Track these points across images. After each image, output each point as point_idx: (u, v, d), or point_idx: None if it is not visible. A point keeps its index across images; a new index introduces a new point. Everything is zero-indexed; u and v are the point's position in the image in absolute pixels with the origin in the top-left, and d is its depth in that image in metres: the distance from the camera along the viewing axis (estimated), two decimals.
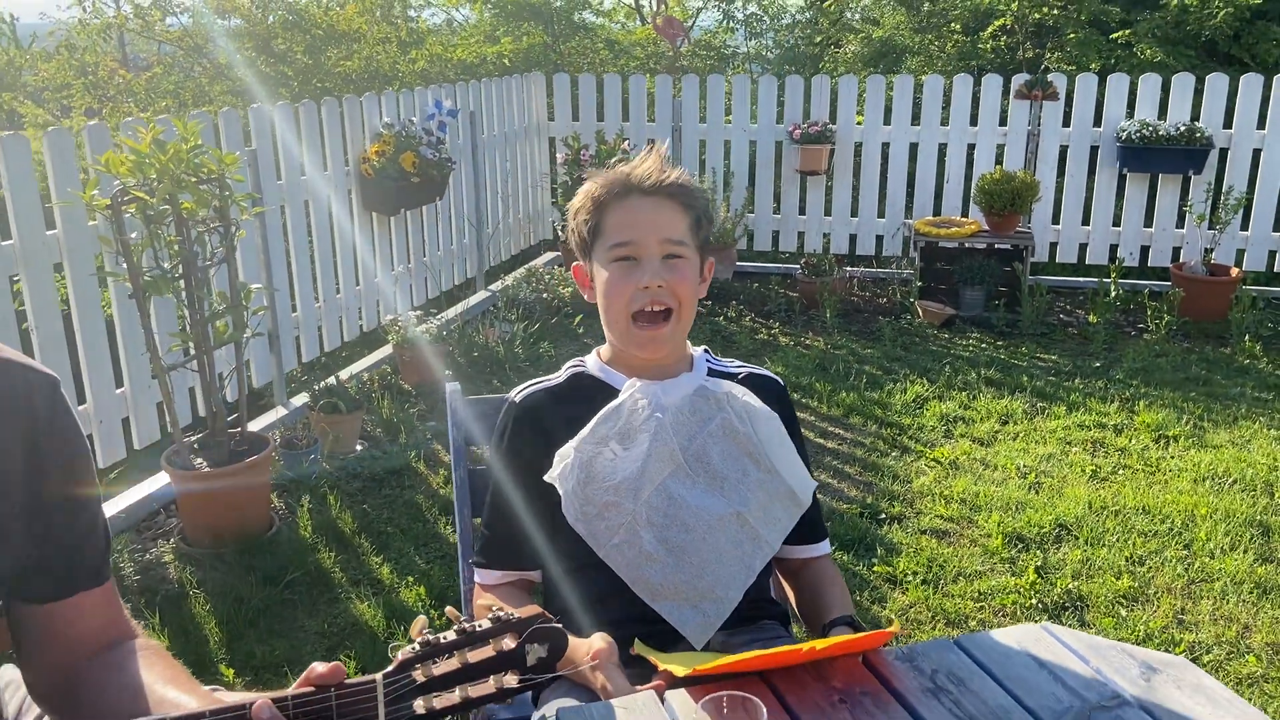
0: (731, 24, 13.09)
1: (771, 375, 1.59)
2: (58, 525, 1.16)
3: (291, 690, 1.01)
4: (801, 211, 6.07)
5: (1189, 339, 4.77)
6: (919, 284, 5.28)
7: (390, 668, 1.03)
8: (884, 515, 3.16)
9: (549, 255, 6.30)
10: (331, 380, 3.80)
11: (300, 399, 3.95)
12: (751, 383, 1.53)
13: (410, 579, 2.81)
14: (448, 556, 2.93)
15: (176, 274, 2.89)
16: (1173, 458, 3.52)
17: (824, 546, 1.57)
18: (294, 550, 2.96)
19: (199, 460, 2.99)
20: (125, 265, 2.77)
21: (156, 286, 2.78)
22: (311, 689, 1.01)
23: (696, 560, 1.39)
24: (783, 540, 1.48)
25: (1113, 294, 4.97)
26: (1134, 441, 3.65)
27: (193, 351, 3.00)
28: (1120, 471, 3.42)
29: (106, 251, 3.13)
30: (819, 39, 11.48)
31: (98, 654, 1.20)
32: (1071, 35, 8.08)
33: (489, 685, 1.06)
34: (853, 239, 6.02)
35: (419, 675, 1.04)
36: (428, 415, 3.99)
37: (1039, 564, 2.85)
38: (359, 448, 3.73)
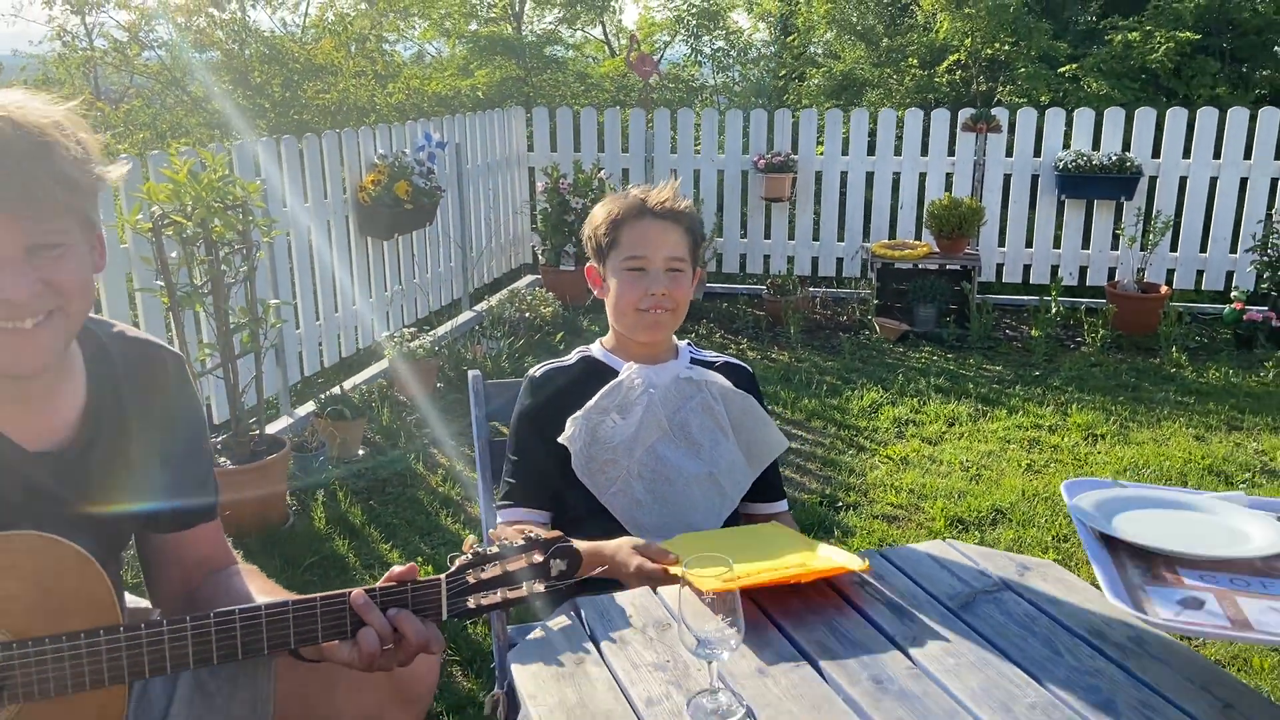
0: (699, 58, 13.57)
1: (743, 364, 1.95)
2: (183, 474, 1.49)
3: (378, 585, 1.35)
4: (767, 236, 6.47)
5: (1121, 350, 5.19)
6: (876, 302, 5.69)
7: (451, 570, 1.38)
8: (841, 503, 3.52)
9: (530, 278, 6.66)
10: (336, 390, 4.12)
11: (305, 408, 4.26)
12: (727, 369, 1.90)
13: (418, 561, 3.13)
14: (451, 544, 3.25)
15: (205, 290, 3.21)
16: (1100, 453, 3.92)
17: (783, 505, 1.93)
18: (310, 539, 3.27)
19: (223, 459, 3.30)
20: (162, 282, 3.09)
21: (190, 300, 3.11)
22: (393, 584, 1.35)
23: (676, 507, 1.75)
24: (742, 496, 1.84)
25: (1053, 310, 5.40)
26: (1066, 439, 4.05)
27: (218, 360, 3.32)
28: (1052, 465, 3.81)
29: (139, 270, 3.45)
30: (783, 72, 11.96)
31: (209, 575, 1.53)
32: (1022, 70, 8.54)
33: (522, 590, 1.41)
34: (815, 261, 6.43)
35: (470, 578, 1.38)
36: (424, 423, 4.31)
37: (977, 542, 3.22)
38: (361, 452, 4.04)
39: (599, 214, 1.84)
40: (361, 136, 4.98)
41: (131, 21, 12.21)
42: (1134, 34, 8.08)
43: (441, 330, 5.33)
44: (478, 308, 5.91)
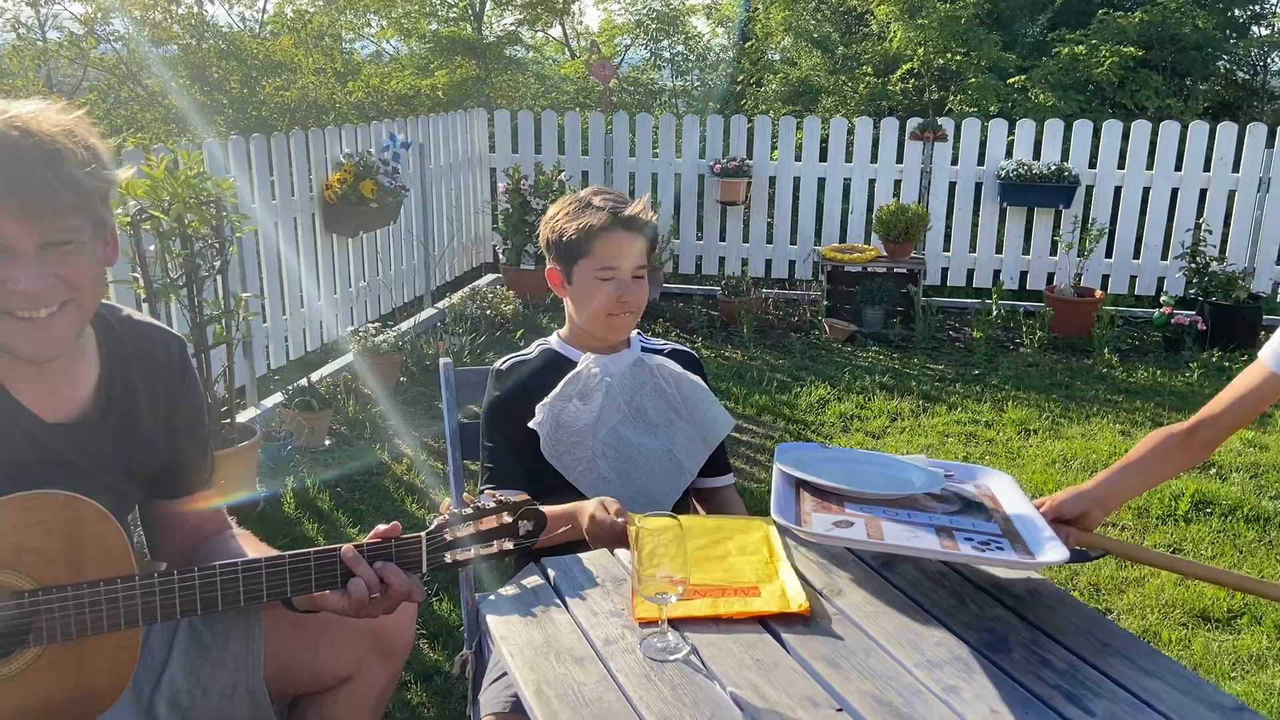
0: (659, 62, 13.76)
1: (688, 350, 2.13)
2: (183, 445, 1.63)
3: (365, 540, 1.50)
4: (722, 238, 6.68)
5: (1057, 351, 5.46)
6: (826, 304, 5.91)
7: (431, 528, 1.54)
8: None
9: (491, 276, 6.79)
10: (303, 381, 4.24)
11: (272, 400, 4.37)
12: (675, 355, 2.07)
13: None
14: (416, 527, 3.38)
15: (180, 283, 3.32)
16: (1032, 447, 4.16)
17: (729, 479, 2.11)
18: (281, 522, 3.40)
19: None
20: (138, 274, 3.20)
21: (166, 293, 3.22)
22: (379, 540, 1.51)
23: (639, 482, 1.92)
24: (699, 470, 2.01)
25: (994, 313, 5.66)
26: (1001, 434, 4.28)
27: (192, 351, 3.43)
28: (986, 457, 4.04)
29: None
30: (741, 77, 12.18)
31: (207, 538, 1.68)
32: (973, 80, 8.81)
33: (493, 547, 1.57)
34: (768, 263, 6.64)
35: (448, 536, 1.55)
36: (388, 415, 4.44)
37: None
38: (328, 442, 4.16)
39: (569, 222, 1.97)
40: (328, 136, 5.09)
41: (87, 14, 12.11)
42: (1080, 47, 8.39)
43: (404, 326, 5.45)
44: (440, 305, 6.04)
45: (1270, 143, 5.89)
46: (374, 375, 4.71)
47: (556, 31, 14.77)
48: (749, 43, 12.68)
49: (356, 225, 5.16)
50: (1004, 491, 1.66)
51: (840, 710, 1.23)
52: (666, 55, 13.72)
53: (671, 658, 1.34)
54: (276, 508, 3.54)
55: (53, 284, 1.33)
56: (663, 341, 2.13)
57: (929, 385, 4.92)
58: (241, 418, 4.21)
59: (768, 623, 1.42)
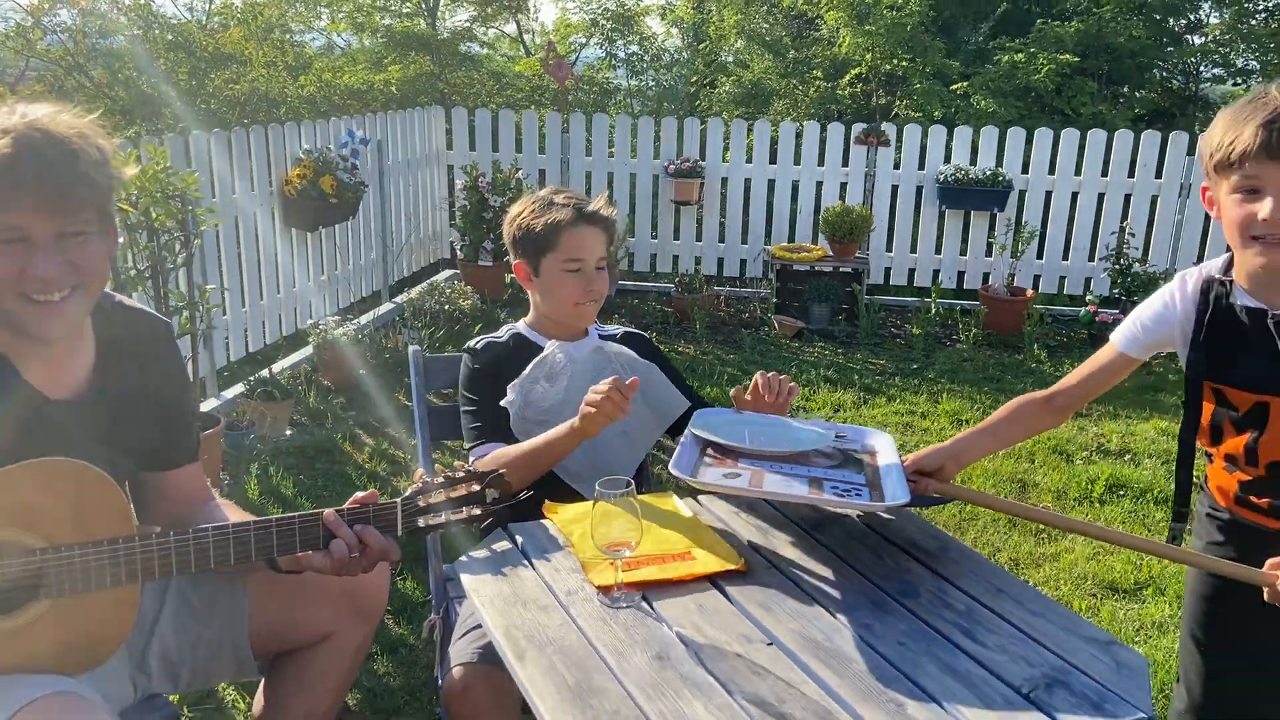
0: (614, 61, 13.91)
1: (639, 333, 2.31)
2: (171, 422, 1.77)
3: (346, 506, 1.65)
4: (676, 237, 6.86)
5: (991, 347, 5.73)
6: (775, 301, 6.12)
7: (406, 494, 1.69)
8: None
9: (448, 272, 6.91)
10: (265, 373, 4.34)
11: (233, 390, 4.46)
12: (628, 339, 2.24)
13: None
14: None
15: (146, 275, 3.42)
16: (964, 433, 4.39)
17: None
18: (245, 508, 3.50)
19: None
20: None
21: (133, 284, 3.32)
22: (358, 505, 1.66)
23: (598, 457, 2.08)
24: (651, 444, 2.19)
25: (933, 311, 5.92)
26: (935, 424, 4.52)
27: None
28: (920, 445, 4.25)
29: None
30: (695, 78, 12.38)
31: (193, 507, 1.81)
32: (918, 86, 9.07)
33: (463, 513, 1.72)
34: (720, 262, 6.84)
35: (421, 502, 1.70)
36: (348, 406, 4.56)
37: None
38: (289, 432, 4.27)
39: (535, 219, 2.14)
40: (287, 132, 5.19)
41: (35, 5, 11.96)
42: (1019, 55, 8.69)
43: (363, 320, 5.55)
44: (398, 299, 6.14)
45: (1191, 150, 6.21)
46: (334, 367, 4.82)
47: (511, 28, 14.85)
48: (703, 44, 12.89)
49: (316, 220, 5.26)
50: (883, 449, 1.89)
51: (770, 644, 1.41)
52: (622, 55, 13.86)
53: (625, 605, 1.51)
54: (240, 493, 3.64)
55: (66, 270, 1.47)
56: (615, 327, 2.31)
57: (870, 379, 5.15)
58: (202, 408, 4.31)
59: (712, 577, 1.60)
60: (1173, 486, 1.88)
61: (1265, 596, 1.63)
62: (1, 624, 1.46)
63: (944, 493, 1.81)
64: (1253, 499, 1.72)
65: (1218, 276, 1.69)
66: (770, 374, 2.04)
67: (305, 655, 1.80)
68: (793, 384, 2.06)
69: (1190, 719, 1.81)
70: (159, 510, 1.79)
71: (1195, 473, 1.83)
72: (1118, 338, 1.82)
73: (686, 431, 1.87)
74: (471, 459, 2.08)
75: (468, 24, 13.50)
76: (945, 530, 1.69)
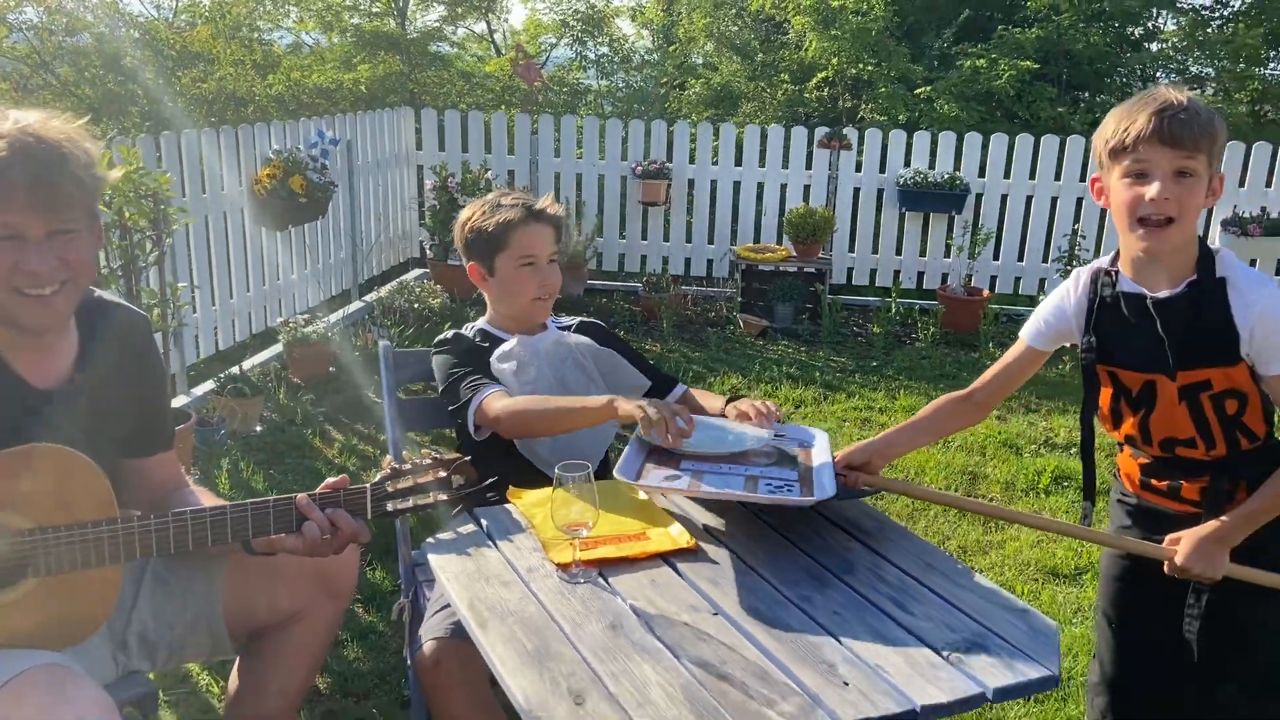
0: (584, 63, 13.99)
1: (594, 320, 2.41)
2: (148, 411, 1.85)
3: (317, 491, 1.74)
4: (644, 237, 6.98)
5: (948, 346, 5.89)
6: (740, 300, 6.24)
7: (375, 479, 1.79)
8: None
9: (418, 271, 6.97)
10: (235, 370, 4.40)
11: (203, 387, 4.52)
12: (584, 327, 2.35)
13: None
14: None
15: (119, 273, 3.48)
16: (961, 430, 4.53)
17: (681, 389, 2.35)
18: (218, 497, 3.57)
19: None
20: None
21: (106, 282, 3.38)
22: (329, 490, 1.75)
23: (565, 441, 2.18)
24: (615, 431, 2.29)
25: (893, 310, 6.07)
26: (892, 419, 4.66)
27: None
28: None
29: None
30: (665, 80, 12.50)
31: (169, 493, 1.90)
32: (883, 90, 9.23)
33: (429, 498, 1.82)
34: (687, 262, 6.97)
35: (390, 487, 1.80)
36: (318, 402, 4.63)
37: None
38: (259, 428, 4.34)
39: (485, 220, 2.24)
40: (257, 132, 5.25)
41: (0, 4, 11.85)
42: (981, 61, 8.87)
43: (333, 318, 5.62)
44: (367, 298, 6.21)
45: None
46: (303, 365, 4.89)
47: (481, 28, 14.89)
48: (673, 47, 13.00)
49: (285, 219, 5.32)
50: (818, 446, 1.99)
51: (716, 614, 1.52)
52: (592, 56, 13.95)
53: (583, 581, 1.62)
54: (211, 488, 3.71)
55: (56, 266, 1.55)
56: (571, 318, 2.42)
57: (831, 376, 5.29)
58: (173, 404, 4.37)
59: (664, 555, 1.71)
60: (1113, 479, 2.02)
61: (1165, 569, 1.77)
62: None
63: (872, 484, 1.93)
64: (1153, 482, 1.86)
65: (1105, 266, 1.83)
66: (760, 403, 2.07)
67: (278, 633, 1.89)
68: (777, 409, 2.10)
69: (1102, 690, 1.95)
70: (137, 495, 1.88)
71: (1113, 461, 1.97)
72: (1025, 332, 1.95)
73: (632, 438, 1.95)
74: (470, 413, 2.11)
75: (438, 24, 13.52)
76: (897, 520, 1.82)
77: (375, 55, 12.10)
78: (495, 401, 2.09)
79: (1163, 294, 1.73)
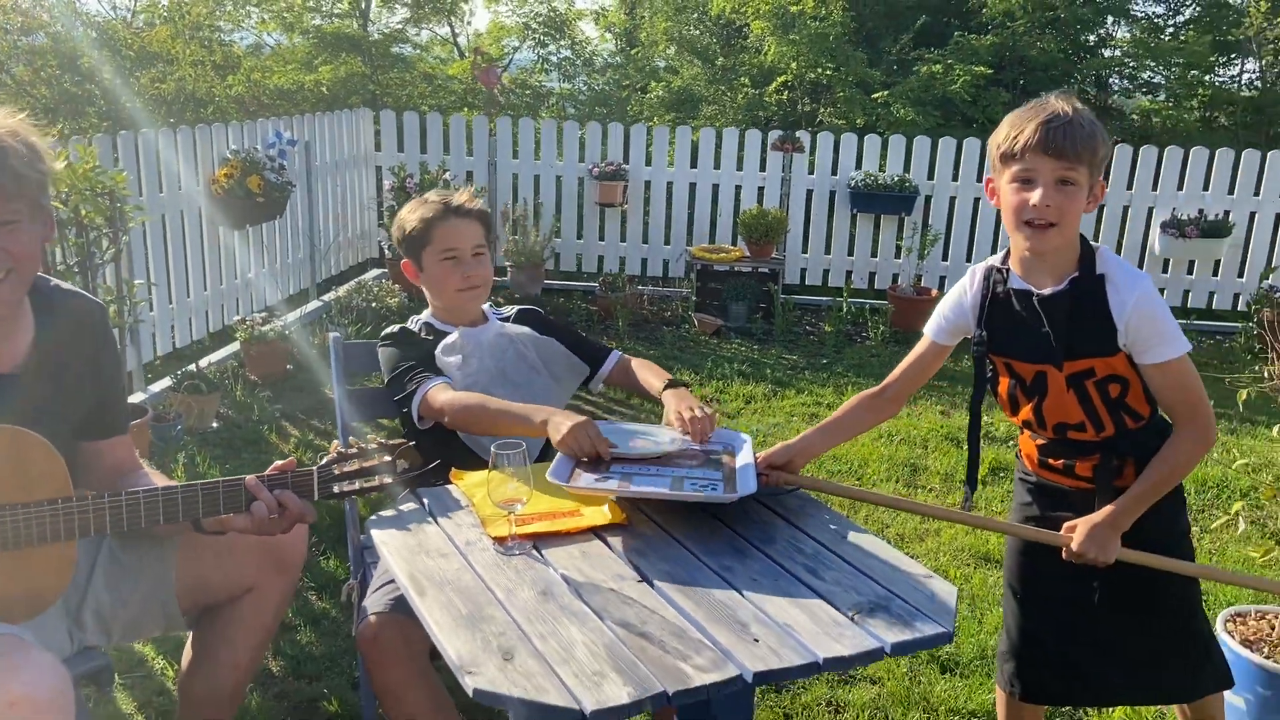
0: (546, 66, 14.07)
1: (531, 308, 2.51)
2: (104, 395, 1.92)
3: (266, 473, 1.83)
4: (601, 238, 7.08)
5: (898, 344, 6.04)
6: (695, 300, 6.37)
7: (322, 462, 1.87)
8: None
9: (376, 271, 7.02)
10: (192, 367, 4.45)
11: (160, 384, 4.56)
12: (522, 316, 2.45)
13: None
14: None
15: (75, 269, 3.53)
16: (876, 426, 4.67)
17: (615, 356, 2.46)
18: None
19: None
20: None
21: (63, 278, 3.42)
22: (277, 472, 1.83)
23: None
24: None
25: (844, 309, 6.22)
26: None
27: None
28: None
29: None
30: (627, 83, 12.61)
31: (124, 475, 1.97)
32: (841, 94, 9.39)
33: (374, 480, 1.91)
34: (644, 262, 7.08)
35: (336, 470, 1.88)
36: (275, 399, 4.68)
37: None
38: (215, 425, 4.38)
39: (410, 218, 2.34)
40: (214, 132, 5.29)
41: None
42: (937, 66, 9.06)
43: (291, 317, 5.67)
44: (325, 297, 6.25)
45: None
46: (260, 362, 4.94)
47: (444, 30, 14.91)
48: (635, 50, 13.12)
49: (243, 219, 5.37)
50: (742, 449, 2.07)
51: (641, 581, 1.63)
52: (554, 59, 14.02)
53: (518, 553, 1.72)
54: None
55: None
56: (510, 308, 2.52)
57: (782, 373, 5.43)
58: (130, 400, 4.41)
59: (596, 529, 1.81)
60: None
61: (1063, 554, 1.91)
62: None
63: (791, 483, 2.02)
64: (1050, 461, 2.00)
65: (996, 265, 1.96)
66: (698, 412, 2.11)
67: (230, 608, 1.97)
68: (712, 414, 2.15)
69: (1009, 659, 2.08)
70: (93, 478, 1.95)
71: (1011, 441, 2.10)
72: (928, 328, 2.08)
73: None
74: (415, 403, 2.20)
75: (400, 26, 13.54)
76: (839, 512, 1.93)
77: (337, 56, 12.09)
78: (440, 394, 2.18)
79: (1047, 291, 1.87)
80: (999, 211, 1.92)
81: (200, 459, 3.94)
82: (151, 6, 12.56)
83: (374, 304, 5.99)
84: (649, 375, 2.37)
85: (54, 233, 1.79)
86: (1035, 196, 1.78)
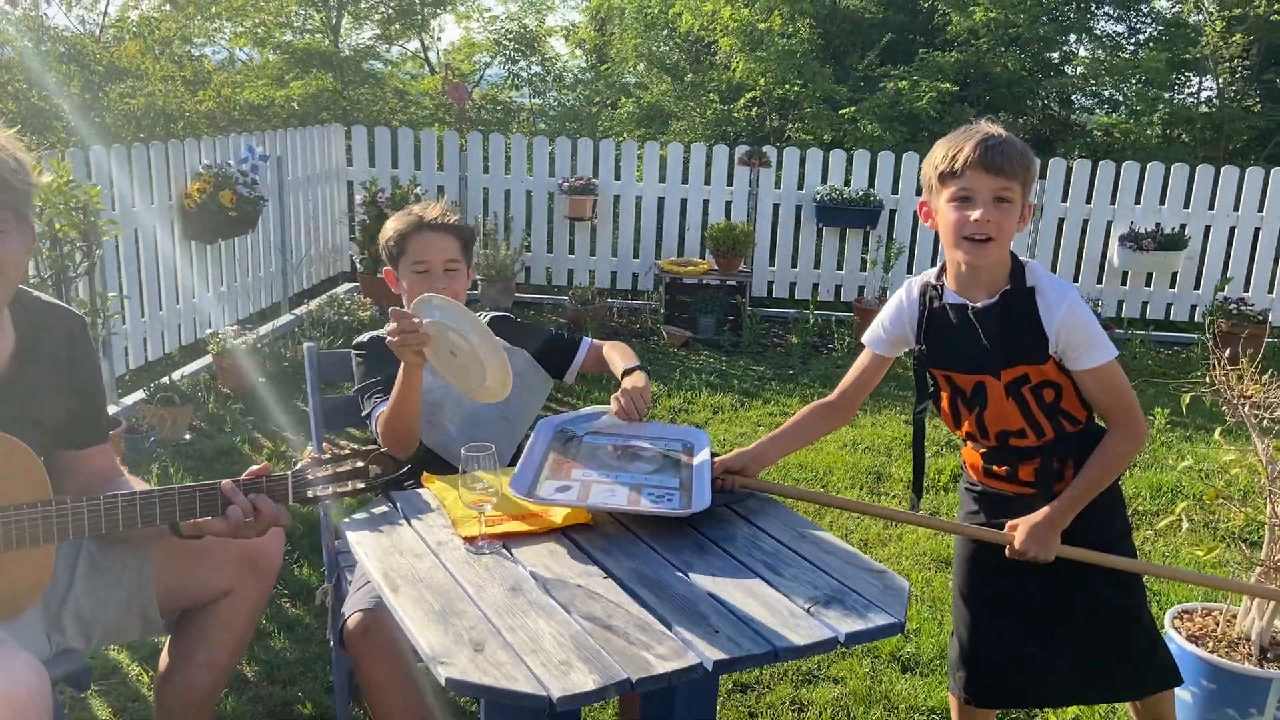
0: (517, 82, 14.16)
1: (501, 313, 2.53)
2: (84, 403, 1.97)
3: (242, 477, 1.88)
4: (571, 251, 7.16)
5: None
6: (664, 312, 6.45)
7: (297, 467, 1.93)
8: None
9: (348, 285, 7.05)
10: (165, 379, 4.47)
11: (133, 397, 4.57)
12: (496, 322, 2.50)
13: None
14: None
15: (49, 282, 3.55)
16: (829, 434, 4.77)
17: (586, 344, 2.52)
18: None
19: None
20: None
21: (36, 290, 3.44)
22: (252, 477, 1.89)
23: (481, 438, 2.32)
24: (529, 425, 2.45)
25: (811, 321, 6.33)
26: None
27: None
28: None
29: None
30: (597, 99, 12.71)
31: (104, 483, 2.01)
32: (808, 110, 9.53)
33: (348, 486, 1.97)
34: (613, 275, 7.16)
35: (310, 475, 1.94)
36: (247, 412, 4.70)
37: None
38: (188, 436, 4.40)
39: (389, 228, 2.40)
40: (187, 147, 5.32)
41: None
42: (903, 83, 9.23)
43: (263, 330, 5.69)
44: (297, 311, 6.28)
45: (1042, 174, 6.79)
46: (233, 375, 4.96)
47: (415, 46, 14.96)
48: (605, 67, 13.24)
49: (215, 233, 5.39)
50: (699, 449, 2.14)
51: (607, 577, 1.70)
52: (525, 75, 14.11)
53: (488, 552, 1.78)
54: None
55: None
56: (483, 314, 2.57)
57: (749, 384, 5.52)
58: None
59: (565, 530, 1.88)
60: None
61: (1006, 553, 2.00)
62: None
63: (748, 487, 2.09)
64: (994, 469, 2.09)
65: (931, 281, 2.05)
66: (632, 397, 2.20)
67: (207, 611, 2.02)
68: (644, 388, 2.24)
69: (960, 667, 2.16)
70: (73, 485, 1.98)
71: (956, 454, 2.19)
72: (867, 340, 2.17)
73: (527, 446, 2.09)
74: (372, 421, 2.28)
75: (371, 42, 13.58)
76: (805, 517, 2.00)
77: (308, 72, 12.11)
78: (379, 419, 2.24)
79: (980, 303, 1.96)
80: None
81: (174, 470, 3.96)
82: (120, 22, 12.53)
83: (345, 317, 6.02)
84: (615, 357, 2.44)
85: (35, 243, 1.84)
86: (976, 213, 1.88)
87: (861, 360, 2.17)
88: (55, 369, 1.89)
